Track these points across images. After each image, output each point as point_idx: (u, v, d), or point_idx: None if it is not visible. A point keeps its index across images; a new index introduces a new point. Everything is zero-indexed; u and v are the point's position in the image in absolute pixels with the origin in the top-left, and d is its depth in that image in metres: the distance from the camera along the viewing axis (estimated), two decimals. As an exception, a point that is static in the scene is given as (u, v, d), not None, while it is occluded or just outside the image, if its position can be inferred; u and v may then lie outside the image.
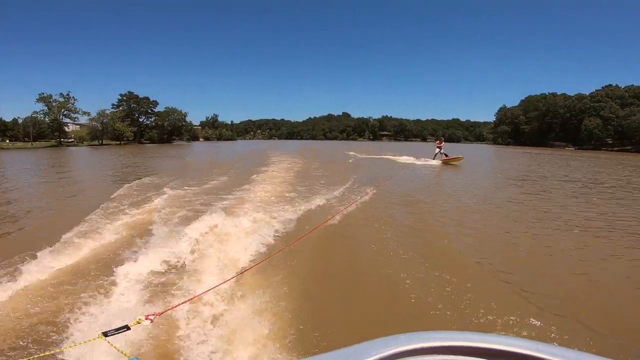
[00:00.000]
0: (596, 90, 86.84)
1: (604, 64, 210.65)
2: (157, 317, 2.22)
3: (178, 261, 4.66)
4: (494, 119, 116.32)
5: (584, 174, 18.17)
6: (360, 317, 3.55)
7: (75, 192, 11.73)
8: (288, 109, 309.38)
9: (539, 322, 3.27)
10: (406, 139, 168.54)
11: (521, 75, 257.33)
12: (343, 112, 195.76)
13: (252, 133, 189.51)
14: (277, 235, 5.93)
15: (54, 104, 63.53)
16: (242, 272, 3.85)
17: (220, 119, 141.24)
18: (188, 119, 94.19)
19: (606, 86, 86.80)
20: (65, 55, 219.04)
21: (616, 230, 6.73)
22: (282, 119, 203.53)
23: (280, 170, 16.49)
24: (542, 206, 8.97)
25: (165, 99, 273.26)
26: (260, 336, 3.05)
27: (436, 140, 25.49)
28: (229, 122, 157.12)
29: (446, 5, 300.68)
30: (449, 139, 24.36)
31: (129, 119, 76.73)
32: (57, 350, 2.66)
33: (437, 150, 22.99)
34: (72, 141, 68.01)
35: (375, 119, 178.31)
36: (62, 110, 64.51)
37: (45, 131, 66.12)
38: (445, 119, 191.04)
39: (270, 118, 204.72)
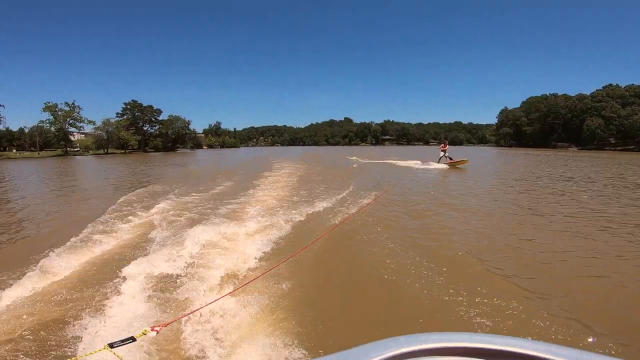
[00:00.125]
0: (597, 90, 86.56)
1: (604, 64, 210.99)
2: (163, 328, 2.21)
3: (183, 271, 4.60)
4: (496, 121, 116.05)
5: (586, 173, 18.05)
6: (371, 324, 3.51)
7: (84, 199, 12.00)
8: (290, 116, 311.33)
9: (543, 323, 3.29)
10: (409, 142, 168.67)
11: (522, 76, 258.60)
12: (345, 118, 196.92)
13: (254, 140, 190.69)
14: (282, 243, 5.88)
15: (59, 113, 64.46)
16: (247, 282, 3.80)
17: (223, 126, 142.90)
18: (191, 126, 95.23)
19: (607, 86, 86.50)
20: (69, 64, 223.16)
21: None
22: (285, 126, 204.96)
23: (283, 176, 16.64)
24: (544, 209, 8.93)
25: (169, 107, 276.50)
26: (266, 347, 3.02)
27: (440, 143, 25.06)
28: (232, 130, 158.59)
29: (446, 6, 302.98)
30: (452, 142, 24.11)
31: (134, 128, 77.62)
32: None
33: (442, 153, 22.65)
34: (78, 150, 68.88)
35: (377, 124, 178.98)
36: (68, 120, 65.41)
37: (51, 140, 67.08)
38: (447, 122, 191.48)
39: (272, 125, 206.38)
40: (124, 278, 4.34)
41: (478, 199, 10.28)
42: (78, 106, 66.67)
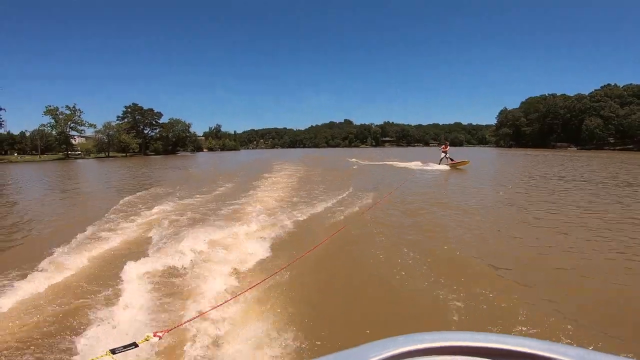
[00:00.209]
0: (595, 90, 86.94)
1: (603, 64, 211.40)
2: (166, 333, 2.18)
3: (184, 275, 4.58)
4: (496, 122, 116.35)
5: (581, 173, 18.11)
6: (371, 325, 3.50)
7: (87, 201, 12.29)
8: (290, 118, 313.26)
9: (543, 323, 3.34)
10: (408, 144, 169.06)
11: (521, 76, 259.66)
12: (345, 119, 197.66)
13: (255, 142, 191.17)
14: (284, 246, 5.84)
15: (60, 116, 64.78)
16: (250, 287, 3.72)
17: (223, 129, 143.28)
18: (192, 129, 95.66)
19: (605, 85, 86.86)
20: (69, 66, 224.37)
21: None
22: (285, 128, 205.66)
23: (283, 177, 16.76)
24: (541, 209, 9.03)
25: (169, 110, 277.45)
26: (270, 352, 3.01)
27: (441, 145, 24.91)
28: (232, 132, 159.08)
29: (446, 6, 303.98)
30: (452, 143, 23.96)
31: (134, 131, 77.99)
32: None
33: (443, 155, 22.65)
34: (79, 154, 69.21)
35: (377, 125, 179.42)
36: (69, 123, 65.74)
37: (52, 144, 67.45)
38: (447, 123, 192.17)
39: (272, 127, 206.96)
40: (126, 281, 4.32)
41: (480, 201, 10.32)
42: (79, 109, 67.13)
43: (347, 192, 11.19)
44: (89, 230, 7.16)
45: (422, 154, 41.33)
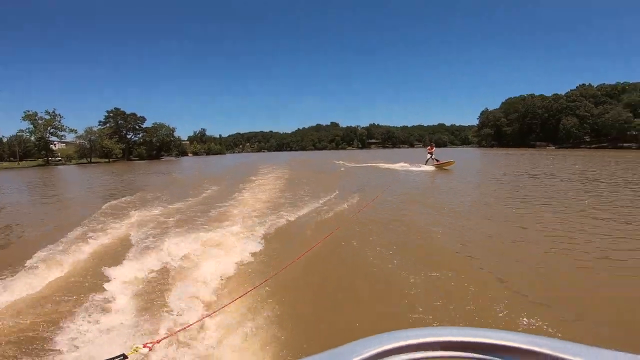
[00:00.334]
0: (571, 90, 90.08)
1: (578, 64, 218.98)
2: (156, 344, 2.13)
3: (172, 282, 4.45)
4: (478, 122, 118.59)
5: (551, 170, 19.13)
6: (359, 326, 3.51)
7: (68, 207, 12.20)
8: (276, 121, 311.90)
9: (529, 317, 3.48)
10: (394, 145, 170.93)
11: (502, 76, 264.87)
12: (331, 122, 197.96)
13: (241, 146, 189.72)
14: (274, 252, 5.77)
15: (39, 121, 63.12)
16: (239, 297, 3.64)
17: (208, 133, 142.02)
18: (176, 134, 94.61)
19: (580, 86, 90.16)
20: (48, 72, 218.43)
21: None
22: (271, 131, 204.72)
23: (269, 183, 16.81)
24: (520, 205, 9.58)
25: (153, 115, 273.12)
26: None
27: (427, 146, 25.28)
28: (217, 136, 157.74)
29: (430, 9, 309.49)
30: (436, 144, 24.27)
31: (117, 136, 76.63)
32: None
33: (429, 156, 23.09)
34: (60, 160, 67.59)
35: (363, 128, 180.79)
36: (49, 128, 64.16)
37: (31, 150, 65.72)
38: (431, 125, 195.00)
39: (258, 130, 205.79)
40: (109, 289, 4.23)
41: (466, 200, 10.72)
42: (59, 114, 65.51)
43: (334, 194, 11.42)
44: (70, 236, 7.08)
45: (408, 155, 41.87)
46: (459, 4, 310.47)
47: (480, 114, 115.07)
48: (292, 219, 8.22)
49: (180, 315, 3.66)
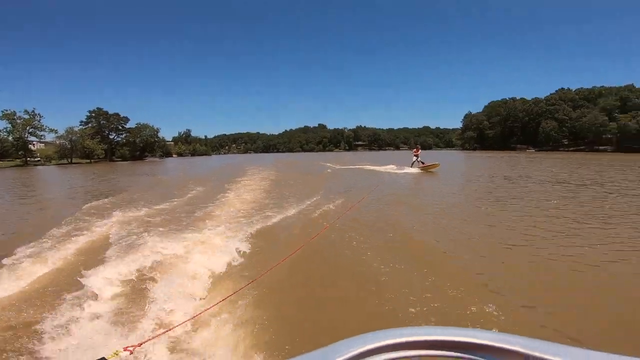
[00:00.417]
0: (551, 93, 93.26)
1: (558, 67, 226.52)
2: (137, 348, 2.10)
3: (154, 285, 4.36)
4: (461, 125, 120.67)
5: (527, 172, 19.89)
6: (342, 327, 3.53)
7: (46, 208, 11.86)
8: (263, 122, 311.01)
9: (500, 312, 3.66)
10: (380, 148, 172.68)
11: (486, 79, 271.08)
12: (319, 124, 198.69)
13: (227, 147, 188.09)
14: (258, 254, 5.73)
15: (18, 121, 61.18)
16: (223, 299, 3.59)
17: (193, 133, 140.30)
18: (160, 134, 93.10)
19: (559, 89, 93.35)
20: (28, 69, 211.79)
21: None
22: (258, 133, 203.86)
23: (255, 184, 16.73)
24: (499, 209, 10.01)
25: (137, 115, 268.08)
26: None
27: (412, 148, 25.65)
28: (203, 137, 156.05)
29: (413, 11, 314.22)
30: (422, 147, 24.62)
31: (99, 136, 74.89)
32: None
33: (415, 158, 23.44)
34: (39, 160, 65.53)
35: (350, 130, 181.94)
36: (28, 128, 62.22)
37: (9, 150, 63.55)
38: (416, 127, 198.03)
39: (245, 132, 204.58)
40: (88, 291, 4.13)
41: (450, 201, 11.06)
42: (39, 114, 63.54)
43: (320, 196, 11.49)
44: (48, 237, 6.94)
45: (394, 157, 42.41)
46: (450, 8, 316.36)
47: (464, 117, 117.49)
48: (277, 220, 8.24)
49: (163, 317, 3.60)
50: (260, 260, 5.37)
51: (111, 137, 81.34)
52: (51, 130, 65.36)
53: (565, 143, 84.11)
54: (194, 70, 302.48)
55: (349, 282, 4.65)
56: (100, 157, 71.19)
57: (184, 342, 3.18)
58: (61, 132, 66.69)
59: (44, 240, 6.78)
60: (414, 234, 6.99)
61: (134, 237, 6.76)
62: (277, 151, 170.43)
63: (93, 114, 78.42)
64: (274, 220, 8.18)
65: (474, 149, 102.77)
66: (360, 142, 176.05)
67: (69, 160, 66.02)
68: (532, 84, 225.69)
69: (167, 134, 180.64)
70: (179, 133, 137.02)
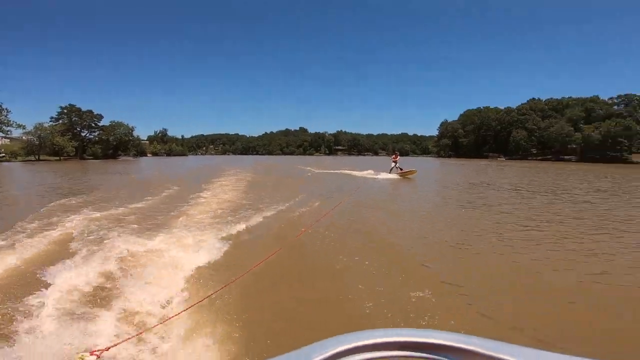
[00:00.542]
0: (522, 103, 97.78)
1: (531, 77, 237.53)
2: (104, 352, 2.05)
3: (122, 288, 4.20)
4: (437, 133, 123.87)
5: (492, 179, 21.05)
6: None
7: (4, 206, 11.37)
8: (243, 124, 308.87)
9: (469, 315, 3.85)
10: (359, 153, 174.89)
11: (461, 88, 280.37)
12: (300, 127, 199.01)
13: (204, 148, 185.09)
14: (230, 258, 5.59)
15: (-18, 115, 58.04)
16: (195, 303, 3.52)
17: (170, 133, 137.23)
18: (136, 133, 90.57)
19: (530, 99, 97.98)
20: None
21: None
22: (237, 134, 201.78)
23: (231, 190, 16.52)
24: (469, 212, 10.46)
25: (113, 114, 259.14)
26: None
27: (391, 155, 26.18)
28: (180, 137, 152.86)
29: (396, 16, 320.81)
30: (400, 153, 25.14)
31: (70, 133, 72.01)
32: None
33: (393, 164, 23.82)
34: (4, 156, 62.26)
35: (330, 134, 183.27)
36: (-7, 123, 59.07)
37: (-29, 145, 60.06)
38: (395, 134, 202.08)
39: (224, 133, 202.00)
40: (50, 293, 3.98)
41: (424, 207, 11.51)
42: (6, 109, 60.43)
43: (299, 200, 11.62)
44: (4, 236, 6.65)
45: (373, 163, 42.99)
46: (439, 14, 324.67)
47: (440, 125, 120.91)
48: (254, 223, 8.17)
49: (133, 320, 3.53)
50: (236, 263, 5.28)
51: (83, 134, 78.39)
52: (19, 126, 62.30)
53: (534, 152, 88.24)
54: (194, 71, 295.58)
55: (327, 283, 4.72)
56: (71, 154, 68.41)
57: (154, 346, 3.10)
58: (29, 128, 63.73)
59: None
60: (390, 237, 7.26)
61: (102, 236, 6.57)
62: (257, 153, 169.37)
63: (65, 110, 75.31)
64: (251, 223, 8.14)
65: (449, 157, 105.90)
66: (340, 147, 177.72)
67: (37, 157, 63.10)
68: (507, 93, 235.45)
69: (143, 133, 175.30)
70: (155, 132, 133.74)
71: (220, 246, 6.05)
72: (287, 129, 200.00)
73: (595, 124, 75.72)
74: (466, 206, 11.28)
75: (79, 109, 76.88)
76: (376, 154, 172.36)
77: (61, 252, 5.69)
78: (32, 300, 3.86)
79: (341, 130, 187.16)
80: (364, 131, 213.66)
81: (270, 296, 4.35)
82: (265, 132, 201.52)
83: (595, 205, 11.67)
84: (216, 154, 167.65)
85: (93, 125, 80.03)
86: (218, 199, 11.90)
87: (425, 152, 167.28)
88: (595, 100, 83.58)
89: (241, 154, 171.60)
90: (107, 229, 7.27)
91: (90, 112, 78.99)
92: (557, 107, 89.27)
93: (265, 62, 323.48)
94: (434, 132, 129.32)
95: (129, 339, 2.85)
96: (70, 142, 68.62)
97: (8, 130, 61.78)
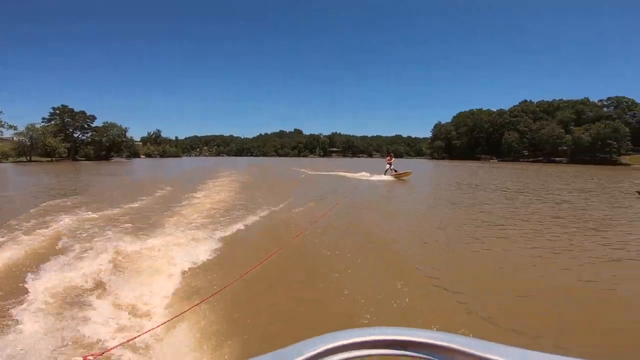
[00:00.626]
0: (514, 105, 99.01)
1: (527, 78, 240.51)
2: (97, 357, 2.04)
3: (114, 292, 4.12)
4: (431, 135, 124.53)
5: (482, 180, 21.51)
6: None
7: None
8: (237, 125, 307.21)
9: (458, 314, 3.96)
10: (354, 155, 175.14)
11: (456, 90, 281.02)
12: (295, 129, 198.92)
13: (198, 150, 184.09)
14: (225, 261, 5.51)
15: (-28, 116, 57.15)
16: (191, 307, 3.48)
17: (164, 134, 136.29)
18: (129, 134, 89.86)
19: (523, 102, 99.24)
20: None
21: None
22: (231, 135, 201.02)
23: (225, 192, 16.35)
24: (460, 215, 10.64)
25: (106, 115, 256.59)
26: None
27: (386, 157, 26.23)
28: (174, 138, 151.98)
29: (387, 18, 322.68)
30: (394, 155, 25.19)
31: (62, 134, 71.24)
32: None
33: (388, 166, 23.86)
34: (-5, 156, 61.36)
35: (325, 136, 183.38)
36: (-17, 124, 58.24)
37: (-39, 145, 59.13)
38: (389, 136, 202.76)
39: (218, 134, 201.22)
40: (37, 297, 3.90)
41: (419, 208, 11.76)
42: (-3, 110, 59.64)
43: (294, 202, 11.67)
44: None
45: (367, 165, 43.12)
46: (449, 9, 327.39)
47: (434, 127, 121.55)
48: (249, 225, 8.13)
49: (126, 324, 3.47)
50: (232, 266, 5.19)
51: (76, 135, 77.62)
52: (10, 127, 61.58)
53: (526, 154, 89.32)
54: (194, 71, 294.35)
55: (326, 283, 4.70)
56: (63, 155, 67.68)
57: (150, 350, 3.06)
58: (21, 128, 63.00)
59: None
60: (386, 238, 7.36)
61: (91, 240, 6.42)
62: (251, 155, 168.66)
63: (57, 111, 74.51)
64: (246, 225, 8.10)
65: (442, 158, 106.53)
66: (335, 149, 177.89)
67: (28, 158, 62.35)
68: (502, 94, 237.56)
69: (137, 134, 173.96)
70: (148, 133, 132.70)
71: (216, 249, 6.00)
72: (281, 131, 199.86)
73: (585, 125, 77.01)
74: (459, 206, 11.66)
75: (72, 110, 76.12)
76: (370, 155, 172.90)
77: (46, 257, 5.52)
78: (16, 306, 3.77)
79: (336, 132, 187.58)
80: (358, 133, 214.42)
81: (267, 298, 4.34)
82: (260, 134, 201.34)
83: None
84: (210, 156, 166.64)
85: (86, 126, 79.26)
86: (213, 200, 11.90)
87: (419, 154, 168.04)
88: (585, 102, 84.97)
89: (235, 155, 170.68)
90: (96, 231, 7.17)
91: (83, 113, 78.25)
92: (548, 109, 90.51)
93: (265, 62, 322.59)
94: (428, 134, 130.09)
95: (120, 344, 2.80)
96: (63, 143, 67.90)
97: (-1, 131, 61.02)
